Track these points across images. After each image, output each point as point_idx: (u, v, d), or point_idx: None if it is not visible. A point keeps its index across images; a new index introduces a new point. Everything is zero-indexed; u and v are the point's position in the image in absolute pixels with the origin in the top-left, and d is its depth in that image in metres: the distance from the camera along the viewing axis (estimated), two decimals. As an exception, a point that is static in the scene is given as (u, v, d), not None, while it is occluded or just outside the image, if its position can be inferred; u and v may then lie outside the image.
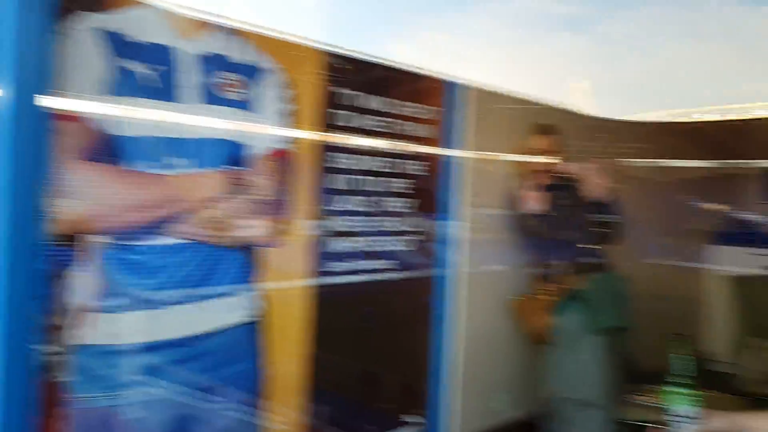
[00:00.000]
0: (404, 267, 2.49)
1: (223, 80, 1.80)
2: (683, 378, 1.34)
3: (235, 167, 1.84)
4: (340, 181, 2.22)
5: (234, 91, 1.83)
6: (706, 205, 4.57)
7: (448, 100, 2.65)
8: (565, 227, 2.86)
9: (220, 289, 1.83)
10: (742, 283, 3.24)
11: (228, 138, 1.83)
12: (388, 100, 2.39)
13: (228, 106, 1.82)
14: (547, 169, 2.96)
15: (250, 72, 1.89)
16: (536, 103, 3.03)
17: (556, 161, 2.96)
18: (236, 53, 1.85)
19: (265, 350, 1.98)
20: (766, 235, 4.26)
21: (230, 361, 1.86)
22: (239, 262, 1.88)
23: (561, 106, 3.15)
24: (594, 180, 2.84)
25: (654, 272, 3.86)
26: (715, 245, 4.58)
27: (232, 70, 1.83)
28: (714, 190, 4.91)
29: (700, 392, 1.34)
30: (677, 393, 1.33)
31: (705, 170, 4.76)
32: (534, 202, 2.87)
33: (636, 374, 2.57)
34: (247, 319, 1.92)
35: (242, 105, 1.86)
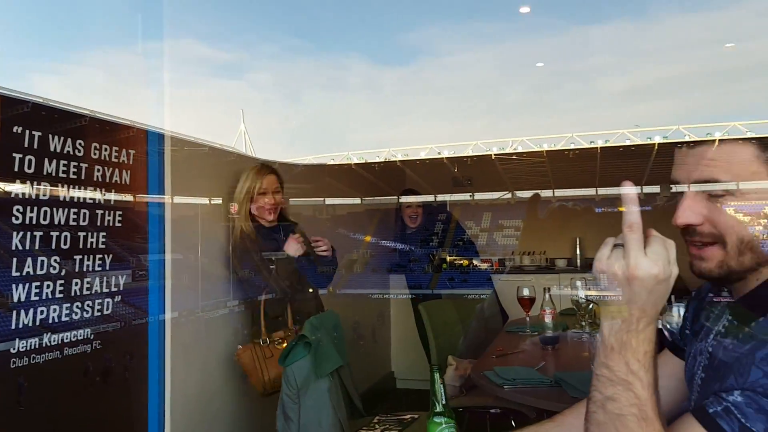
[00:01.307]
0: (102, 327, 2.19)
1: None
2: (442, 407, 1.37)
3: None
4: (20, 238, 1.86)
5: None
6: (365, 237, 5.14)
7: (145, 146, 2.46)
8: (286, 270, 2.86)
9: None
10: (421, 305, 3.61)
11: None
12: (79, 144, 2.10)
13: None
14: (270, 211, 2.95)
15: None
16: (218, 148, 3.03)
17: (278, 202, 2.97)
18: None
19: None
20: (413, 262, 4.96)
21: None
22: None
23: (231, 149, 3.21)
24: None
25: (340, 302, 4.15)
26: (387, 273, 5.16)
27: None
28: (367, 223, 5.53)
29: (454, 419, 1.36)
30: (439, 423, 1.35)
31: (358, 206, 5.36)
32: (291, 245, 2.81)
33: (358, 409, 2.70)
34: None
35: None
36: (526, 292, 3.04)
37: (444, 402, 1.37)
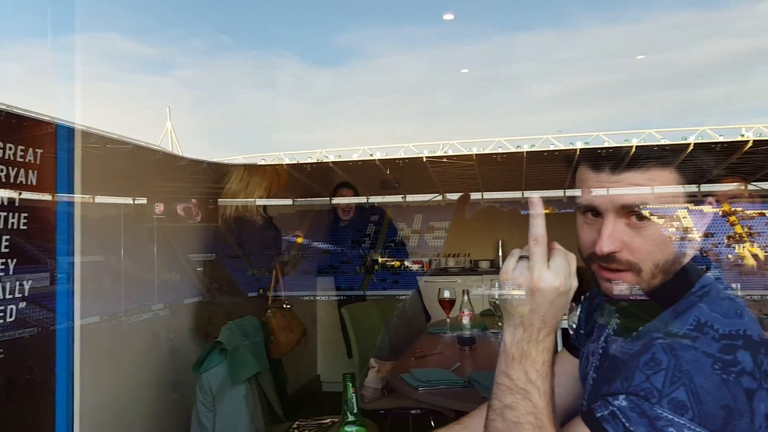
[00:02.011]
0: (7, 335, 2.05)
1: None
2: (354, 416, 1.37)
3: None
4: None
5: None
6: (296, 239, 5.09)
7: (55, 142, 2.32)
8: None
9: None
10: (343, 308, 3.56)
11: None
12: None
13: None
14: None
15: None
16: (143, 146, 2.92)
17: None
18: None
19: None
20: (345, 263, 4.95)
21: None
22: None
23: (157, 147, 3.11)
24: None
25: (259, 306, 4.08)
26: (318, 275, 5.12)
27: None
28: (299, 224, 5.48)
29: (365, 427, 1.35)
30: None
31: (289, 207, 5.31)
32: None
33: (278, 415, 2.64)
34: None
35: None
36: (446, 294, 3.09)
37: (356, 411, 1.36)
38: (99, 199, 2.60)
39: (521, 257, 0.88)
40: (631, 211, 0.93)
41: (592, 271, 0.96)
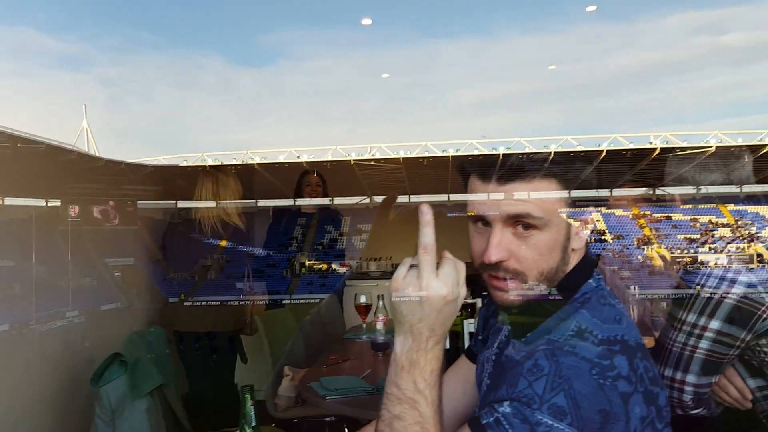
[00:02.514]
0: None
1: None
2: (253, 429, 1.34)
3: None
4: None
5: None
6: (220, 242, 4.98)
7: None
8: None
9: None
10: (257, 315, 3.47)
11: None
12: None
13: None
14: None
15: None
16: (56, 146, 2.77)
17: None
18: None
19: None
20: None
21: None
22: None
23: (71, 147, 2.97)
24: None
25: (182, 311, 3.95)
26: (243, 279, 5.00)
27: None
28: (223, 227, 5.34)
29: None
30: None
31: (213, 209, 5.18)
32: None
33: (185, 428, 2.55)
34: None
35: None
36: (362, 300, 3.05)
37: (254, 424, 1.35)
38: (9, 201, 2.46)
39: (411, 266, 0.87)
40: (517, 221, 0.94)
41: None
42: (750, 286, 1.09)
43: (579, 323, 0.83)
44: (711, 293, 1.14)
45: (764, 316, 1.10)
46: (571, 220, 0.92)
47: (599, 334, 0.81)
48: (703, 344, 1.13)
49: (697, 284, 1.14)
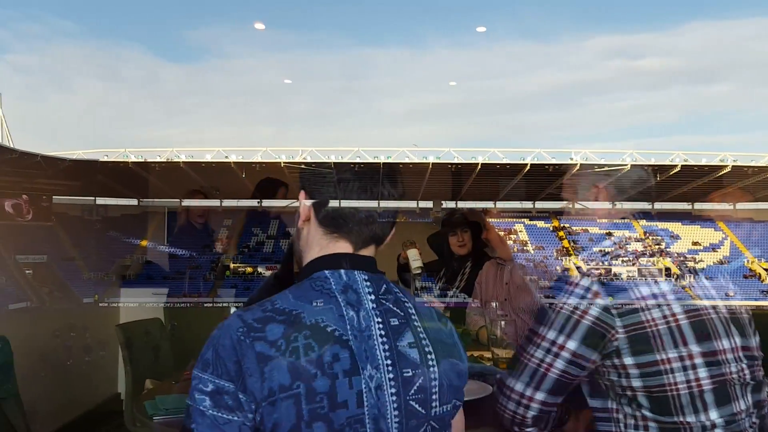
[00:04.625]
0: None
1: None
2: None
3: None
4: None
5: None
6: (140, 242, 4.81)
7: None
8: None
9: None
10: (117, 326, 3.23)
11: None
12: None
13: None
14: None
15: None
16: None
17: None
18: None
19: None
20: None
21: None
22: None
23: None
24: None
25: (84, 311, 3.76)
26: (162, 281, 4.78)
27: None
28: (137, 227, 5.16)
29: None
30: None
31: (134, 208, 5.00)
32: None
33: None
34: None
35: None
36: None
37: None
38: None
39: None
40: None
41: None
42: (609, 307, 1.14)
43: (276, 297, 0.89)
44: (572, 310, 1.17)
45: (613, 339, 1.13)
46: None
47: (276, 305, 0.87)
48: (558, 364, 1.15)
49: (562, 297, 1.18)
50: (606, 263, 24.18)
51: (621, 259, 23.67)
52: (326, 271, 0.93)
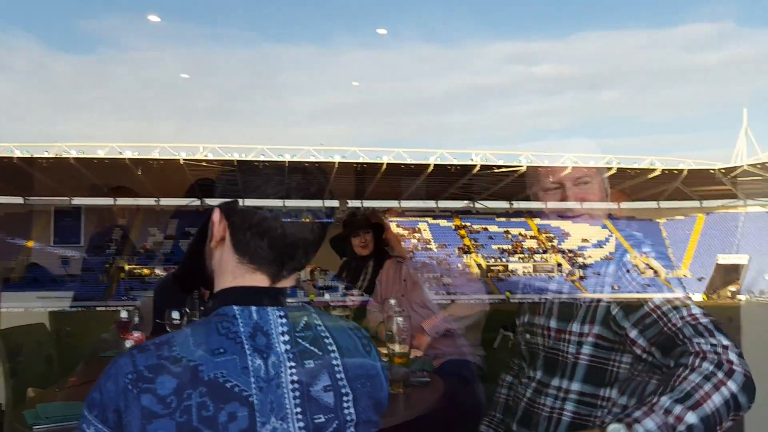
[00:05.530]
0: None
1: None
2: None
3: None
4: None
5: None
6: (26, 243, 4.50)
7: None
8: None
9: None
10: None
11: None
12: None
13: None
14: None
15: None
16: None
17: None
18: None
19: None
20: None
21: None
22: None
23: None
24: None
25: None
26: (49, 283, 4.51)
27: None
28: (21, 227, 4.85)
29: None
30: None
31: (19, 206, 4.67)
32: None
33: None
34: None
35: None
36: (124, 315, 2.53)
37: None
38: None
39: None
40: None
41: None
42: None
43: (177, 338, 0.82)
44: None
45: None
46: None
47: (174, 350, 0.80)
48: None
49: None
50: (504, 260, 25.26)
51: (518, 255, 24.82)
52: (236, 308, 0.84)
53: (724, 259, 23.27)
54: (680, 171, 23.92)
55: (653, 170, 23.44)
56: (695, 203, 26.20)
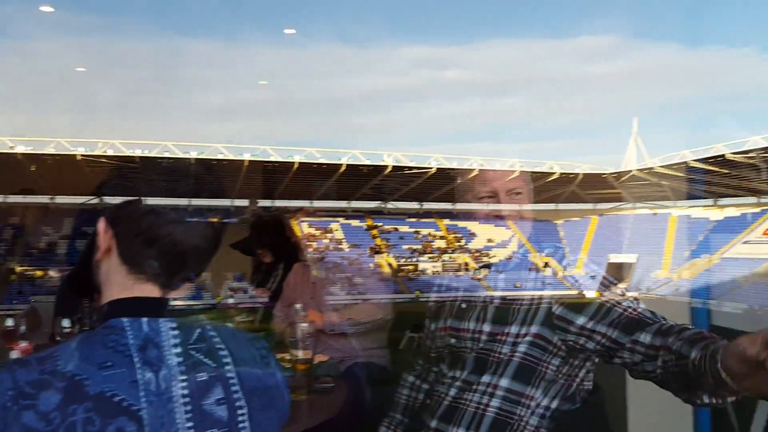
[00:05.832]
0: None
1: None
2: None
3: None
4: None
5: None
6: None
7: None
8: None
9: None
10: None
11: None
12: None
13: None
14: None
15: None
16: None
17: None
18: None
19: None
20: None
21: None
22: None
23: None
24: None
25: None
26: None
27: None
28: None
29: None
30: None
31: None
32: None
33: None
34: None
35: None
36: (10, 323, 2.13)
37: None
38: None
39: None
40: None
41: None
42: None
43: (60, 352, 0.79)
44: None
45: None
46: None
47: (58, 366, 0.77)
48: None
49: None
50: (414, 260, 25.71)
51: (428, 255, 25.34)
52: (125, 320, 0.81)
53: (616, 257, 24.84)
54: (576, 175, 25.33)
55: (552, 174, 24.64)
56: (590, 205, 27.83)
